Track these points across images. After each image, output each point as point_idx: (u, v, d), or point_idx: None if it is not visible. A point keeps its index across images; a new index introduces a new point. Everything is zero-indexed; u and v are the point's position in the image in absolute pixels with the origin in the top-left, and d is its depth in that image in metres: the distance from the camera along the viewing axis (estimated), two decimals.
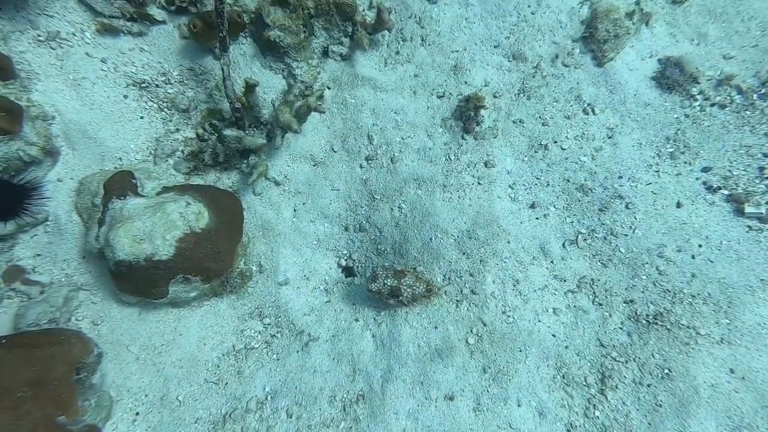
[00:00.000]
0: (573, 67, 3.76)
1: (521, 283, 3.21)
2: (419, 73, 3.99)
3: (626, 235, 3.27)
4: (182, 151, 3.45)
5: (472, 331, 3.15)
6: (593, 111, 3.60)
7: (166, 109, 3.52)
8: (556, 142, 3.56)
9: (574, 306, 3.26)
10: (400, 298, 3.07)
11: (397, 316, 3.31)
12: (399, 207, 3.65)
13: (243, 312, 3.43)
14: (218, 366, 3.16)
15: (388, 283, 3.09)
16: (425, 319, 3.24)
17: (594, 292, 3.28)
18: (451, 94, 3.89)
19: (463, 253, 3.33)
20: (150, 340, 3.12)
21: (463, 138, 3.71)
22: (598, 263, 3.33)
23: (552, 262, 3.29)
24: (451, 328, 3.16)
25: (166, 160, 3.41)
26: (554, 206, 3.41)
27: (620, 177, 3.39)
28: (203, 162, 3.43)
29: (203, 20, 3.18)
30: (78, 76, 3.22)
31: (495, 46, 3.91)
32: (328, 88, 3.98)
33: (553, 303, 3.27)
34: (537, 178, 3.49)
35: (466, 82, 3.87)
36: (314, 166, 3.86)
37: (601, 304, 3.26)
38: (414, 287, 3.13)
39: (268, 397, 3.10)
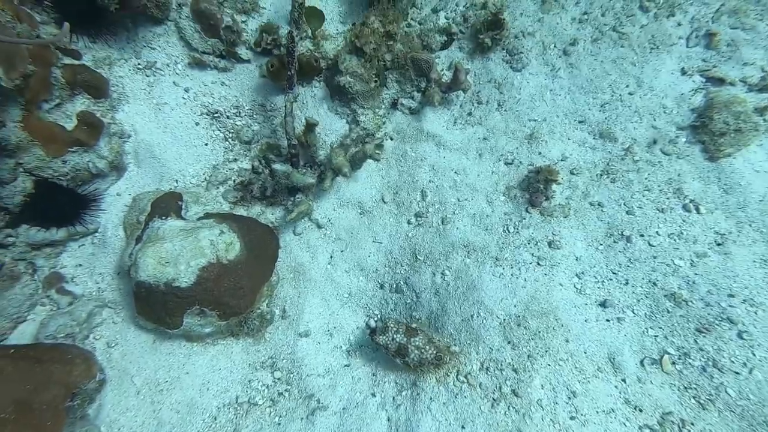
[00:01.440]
0: (675, 156, 3.28)
1: (579, 398, 2.58)
2: (489, 137, 3.78)
3: (738, 373, 2.52)
4: (234, 180, 3.48)
5: None
6: (697, 209, 3.04)
7: (230, 140, 3.65)
8: (642, 235, 3.02)
9: None
10: (406, 359, 2.80)
11: (420, 400, 2.82)
12: (442, 273, 3.29)
13: (256, 359, 3.18)
14: (215, 418, 2.89)
15: (397, 339, 2.84)
16: (452, 412, 2.71)
17: None
18: (521, 162, 3.59)
19: (508, 342, 2.82)
20: (156, 373, 2.97)
21: (527, 211, 3.32)
22: (692, 400, 2.58)
23: (624, 380, 2.63)
24: None
25: (218, 188, 3.47)
26: (633, 311, 2.80)
27: (731, 295, 2.71)
28: (251, 194, 3.43)
29: (281, 61, 3.33)
30: (161, 101, 3.50)
31: (579, 121, 3.60)
32: (391, 139, 3.90)
33: None
34: (613, 273, 2.93)
35: (540, 153, 3.56)
36: (360, 214, 3.70)
37: None
38: (423, 350, 2.83)
39: None
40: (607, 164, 3.43)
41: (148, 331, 3.09)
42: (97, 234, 3.27)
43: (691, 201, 3.10)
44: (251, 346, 3.31)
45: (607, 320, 2.86)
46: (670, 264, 2.95)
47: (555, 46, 3.90)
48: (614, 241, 3.10)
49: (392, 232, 3.68)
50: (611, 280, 2.99)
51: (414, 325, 2.98)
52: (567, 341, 2.79)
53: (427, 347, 2.81)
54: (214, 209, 3.27)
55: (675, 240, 3.01)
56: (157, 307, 2.77)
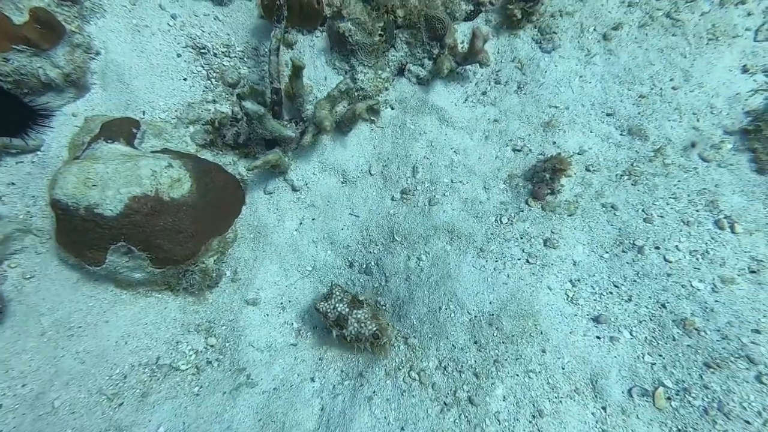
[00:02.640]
0: (715, 163, 2.91)
1: (545, 419, 2.24)
2: (500, 120, 3.50)
3: (748, 423, 2.11)
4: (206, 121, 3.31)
5: None
6: (732, 228, 2.66)
7: (213, 79, 3.50)
8: (658, 248, 2.65)
9: None
10: (344, 331, 2.65)
11: (361, 392, 2.53)
12: (418, 258, 3.00)
13: (191, 321, 2.97)
14: (125, 377, 2.67)
15: (338, 309, 2.68)
16: (394, 411, 2.41)
17: None
18: (530, 150, 3.28)
19: (475, 342, 2.51)
20: (69, 316, 2.79)
21: (527, 203, 3.00)
22: None
23: (604, 408, 2.27)
24: None
25: (187, 127, 3.31)
26: (631, 332, 2.43)
27: (757, 331, 2.32)
28: (223, 139, 3.26)
29: None
30: (141, 23, 3.38)
31: (607, 114, 3.28)
32: (392, 108, 3.65)
33: None
34: (615, 286, 2.58)
35: (554, 143, 3.25)
36: (342, 183, 3.47)
37: None
38: (363, 325, 2.64)
39: None
40: (632, 164, 3.08)
41: (72, 268, 2.91)
42: (38, 153, 3.13)
43: (726, 217, 2.71)
44: (189, 305, 3.10)
45: (597, 337, 2.50)
46: (686, 285, 2.56)
47: (594, 30, 3.59)
48: (623, 251, 2.74)
49: (373, 206, 3.43)
50: (611, 293, 2.62)
51: (362, 298, 2.79)
52: (543, 351, 2.45)
53: (369, 323, 2.59)
54: (177, 148, 3.09)
55: (698, 259, 2.62)
56: (77, 237, 2.57)
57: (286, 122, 3.40)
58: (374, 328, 2.59)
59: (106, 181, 2.44)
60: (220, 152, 3.46)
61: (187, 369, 2.84)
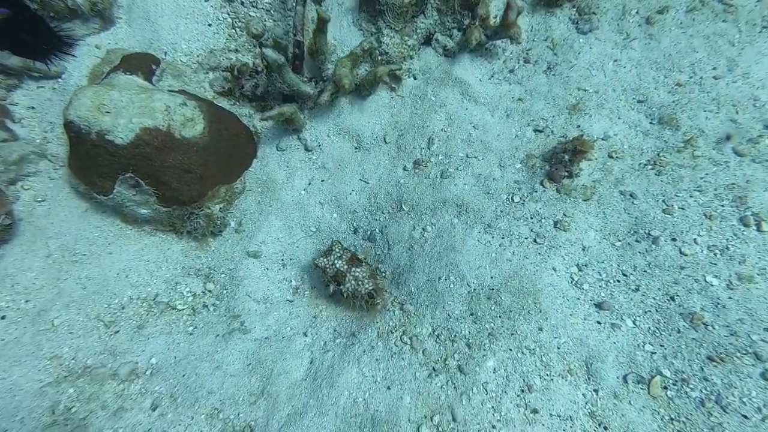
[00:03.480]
0: (749, 158, 2.84)
1: (534, 394, 2.26)
2: (525, 99, 3.47)
3: (746, 418, 2.09)
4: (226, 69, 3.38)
5: (432, 420, 2.26)
6: (758, 226, 2.60)
7: (237, 29, 3.56)
8: (674, 239, 2.62)
9: None
10: (341, 287, 2.72)
11: (352, 350, 2.59)
12: (424, 228, 3.03)
13: (192, 265, 3.07)
14: (123, 307, 2.79)
15: (337, 265, 2.73)
16: (383, 371, 2.47)
17: None
18: (552, 132, 3.26)
19: (471, 314, 2.53)
20: (75, 243, 2.92)
21: (542, 184, 2.99)
22: None
23: (596, 391, 2.27)
24: (408, 399, 2.31)
25: (207, 73, 3.38)
26: (634, 321, 2.42)
27: None
28: (241, 89, 3.32)
29: None
30: None
31: (639, 101, 3.22)
32: (414, 78, 3.65)
33: None
34: (624, 274, 2.56)
35: (578, 126, 3.22)
36: (355, 148, 3.51)
37: None
38: (360, 283, 2.70)
39: (148, 372, 2.59)
40: (658, 154, 3.03)
41: (82, 197, 3.04)
42: (59, 80, 3.26)
43: (754, 215, 2.65)
44: (192, 250, 3.20)
45: (598, 322, 2.49)
46: (699, 280, 2.52)
47: (637, 12, 3.52)
48: (637, 240, 2.71)
49: (384, 175, 3.46)
50: (619, 282, 2.61)
51: (361, 256, 2.85)
52: (540, 330, 2.46)
53: (366, 281, 2.63)
54: (194, 92, 3.18)
55: (716, 254, 2.58)
56: (87, 162, 2.67)
57: (305, 79, 3.44)
58: (370, 287, 2.63)
59: (119, 109, 2.53)
60: (237, 102, 3.53)
61: (183, 309, 2.95)
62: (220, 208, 3.19)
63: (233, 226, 3.37)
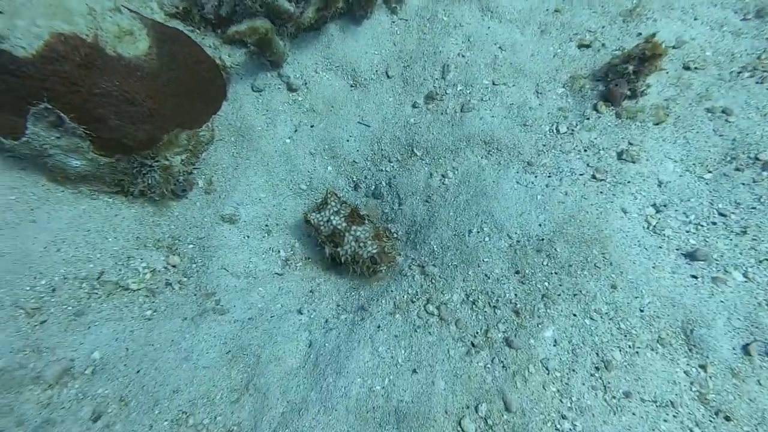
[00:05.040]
0: None
1: (614, 372, 1.71)
2: (564, 10, 2.91)
3: None
4: None
5: (477, 411, 1.70)
6: None
7: None
8: None
9: None
10: (338, 249, 2.33)
11: (362, 327, 2.05)
12: (443, 174, 2.47)
13: (150, 234, 2.51)
14: (53, 290, 2.20)
15: (333, 222, 2.32)
16: (404, 349, 1.93)
17: None
18: (603, 45, 2.70)
19: (517, 272, 1.99)
20: None
21: (595, 109, 2.43)
22: None
23: (703, 367, 1.72)
24: (442, 384, 1.75)
25: None
26: (745, 274, 1.85)
27: None
28: (201, 10, 2.69)
29: None
30: None
31: None
32: None
33: None
34: (720, 214, 2.02)
35: (639, 35, 2.64)
36: (351, 86, 2.94)
37: None
38: (362, 244, 2.27)
39: (88, 371, 2.02)
40: (757, 58, 2.44)
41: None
42: None
43: None
44: (149, 216, 2.63)
45: (694, 277, 1.93)
46: None
47: None
48: (736, 168, 2.16)
49: (388, 114, 2.90)
50: (715, 224, 2.06)
51: (365, 213, 2.46)
52: (614, 288, 1.91)
53: (369, 243, 2.26)
54: (137, 10, 2.54)
55: None
56: None
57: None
58: (374, 251, 2.10)
59: (16, 6, 1.90)
60: (197, 30, 2.92)
61: (138, 289, 2.38)
62: (182, 160, 2.60)
63: (201, 186, 2.80)
